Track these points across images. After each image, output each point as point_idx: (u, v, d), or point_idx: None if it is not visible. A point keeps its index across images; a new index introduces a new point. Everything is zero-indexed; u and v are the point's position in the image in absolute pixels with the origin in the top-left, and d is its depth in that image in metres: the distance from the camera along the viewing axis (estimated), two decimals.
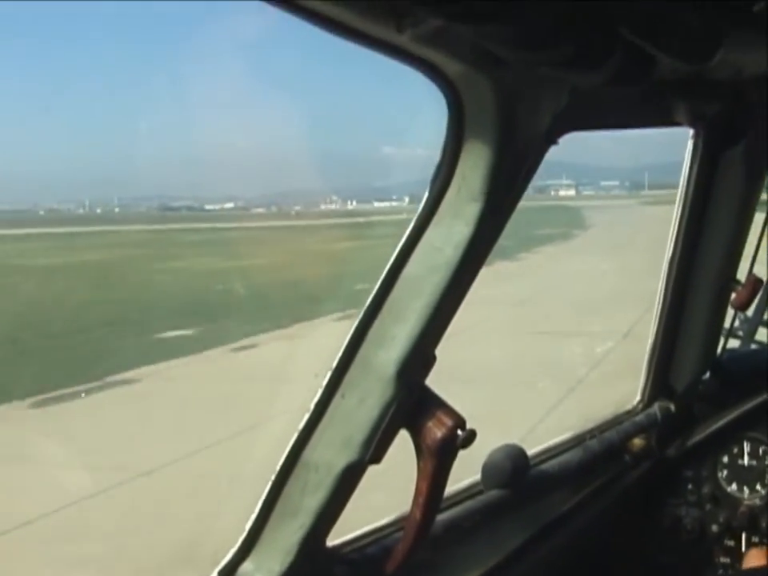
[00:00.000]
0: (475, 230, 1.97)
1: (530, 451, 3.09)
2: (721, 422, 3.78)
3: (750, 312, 4.22)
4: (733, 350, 3.98)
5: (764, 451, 3.76)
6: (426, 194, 2.01)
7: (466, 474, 2.90)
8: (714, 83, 2.52)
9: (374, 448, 2.07)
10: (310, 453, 2.11)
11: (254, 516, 2.17)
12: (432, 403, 2.12)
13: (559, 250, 43.58)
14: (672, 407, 3.72)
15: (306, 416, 2.10)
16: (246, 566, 2.19)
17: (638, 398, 3.73)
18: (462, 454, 2.13)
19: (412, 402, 2.09)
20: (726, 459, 3.78)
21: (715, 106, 2.81)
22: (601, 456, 3.39)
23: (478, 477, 2.94)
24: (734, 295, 3.42)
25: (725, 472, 3.76)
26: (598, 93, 1.98)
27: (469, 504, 2.81)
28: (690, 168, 3.24)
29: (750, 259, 3.54)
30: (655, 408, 3.71)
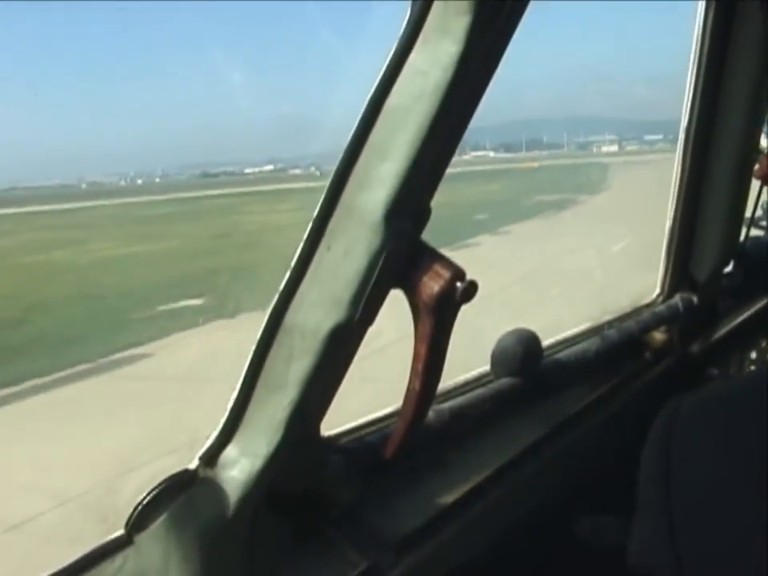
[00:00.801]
0: (465, 48, 1.73)
1: (545, 341, 2.87)
2: (746, 314, 3.56)
3: None
4: (757, 238, 3.73)
5: None
6: (408, 11, 1.77)
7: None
8: None
9: (363, 307, 1.83)
10: (293, 315, 1.87)
11: (235, 392, 1.94)
12: (427, 257, 1.89)
13: (534, 229, 34.28)
14: (694, 299, 3.49)
15: (288, 273, 1.87)
16: (230, 451, 1.96)
17: (658, 290, 3.50)
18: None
19: (404, 255, 1.86)
20: (754, 355, 3.56)
21: None
22: (620, 347, 3.16)
23: (487, 367, 2.73)
24: (757, 166, 3.18)
25: (752, 368, 3.55)
26: None
27: (478, 392, 2.60)
28: (704, 21, 2.99)
29: None
30: (677, 299, 3.47)
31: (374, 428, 2.33)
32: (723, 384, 2.34)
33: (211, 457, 1.96)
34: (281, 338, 1.89)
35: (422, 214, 1.90)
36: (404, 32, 1.77)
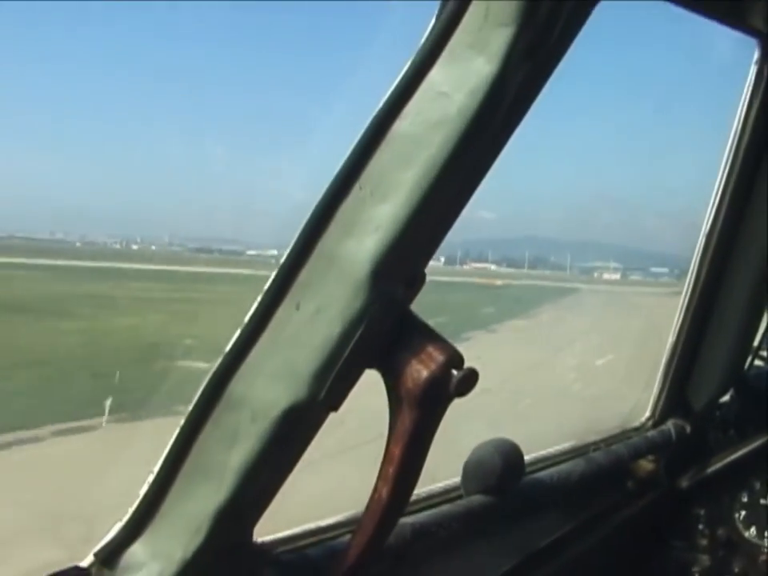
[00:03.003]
0: (503, 69, 1.35)
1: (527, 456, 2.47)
2: (743, 451, 3.19)
3: None
4: (760, 368, 3.39)
5: None
6: (434, 18, 1.39)
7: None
8: None
9: (330, 386, 1.42)
10: (241, 387, 1.45)
11: (150, 477, 1.50)
12: (417, 333, 1.48)
13: None
14: (687, 427, 3.13)
15: (237, 333, 1.45)
16: (136, 550, 1.52)
17: (648, 413, 3.13)
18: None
19: (389, 327, 1.45)
20: (745, 497, 3.18)
21: None
22: (605, 473, 2.78)
23: (457, 479, 2.31)
24: None
25: (743, 512, 3.17)
26: None
27: (445, 509, 2.17)
28: (747, 109, 2.71)
29: None
30: (669, 425, 3.11)
31: (316, 538, 1.89)
32: None
33: (110, 555, 1.52)
34: (221, 415, 1.46)
35: (417, 279, 1.50)
36: (425, 42, 1.39)
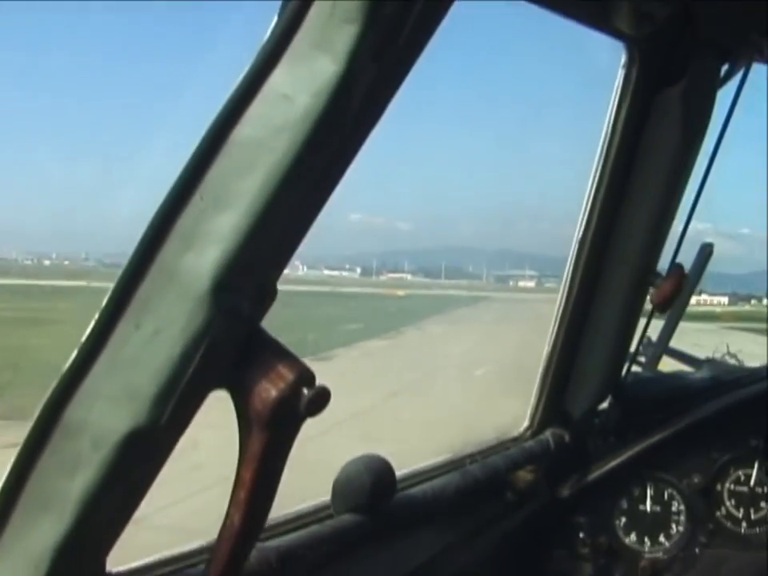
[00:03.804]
0: (347, 69, 1.28)
1: (398, 472, 2.40)
2: (621, 458, 3.19)
3: (654, 336, 3.68)
4: (638, 374, 3.40)
5: (669, 495, 3.18)
6: (276, 17, 1.32)
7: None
8: None
9: (174, 407, 1.33)
10: (80, 412, 1.35)
11: None
12: (267, 351, 1.41)
13: None
14: (566, 436, 3.11)
15: (73, 355, 1.35)
16: None
17: (527, 422, 3.10)
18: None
19: (236, 345, 1.37)
20: (624, 504, 3.19)
21: (662, 9, 2.26)
22: (482, 485, 2.72)
23: (327, 498, 2.24)
24: (652, 290, 2.84)
25: (623, 519, 3.18)
26: None
27: (314, 529, 2.09)
28: (616, 114, 2.70)
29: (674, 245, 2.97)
30: (547, 435, 3.08)
31: (172, 567, 1.79)
32: None
33: None
34: (59, 442, 1.35)
35: (266, 293, 1.42)
36: (267, 42, 1.32)
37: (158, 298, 1.33)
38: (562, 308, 2.97)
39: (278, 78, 1.31)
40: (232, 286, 1.32)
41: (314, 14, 1.30)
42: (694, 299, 4.43)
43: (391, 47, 1.35)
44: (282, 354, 1.40)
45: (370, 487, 2.19)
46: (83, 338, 1.35)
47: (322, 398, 1.38)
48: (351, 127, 1.38)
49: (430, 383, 17.95)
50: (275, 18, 1.32)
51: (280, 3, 1.32)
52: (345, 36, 1.28)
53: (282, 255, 1.43)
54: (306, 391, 1.38)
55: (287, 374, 1.37)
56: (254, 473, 1.41)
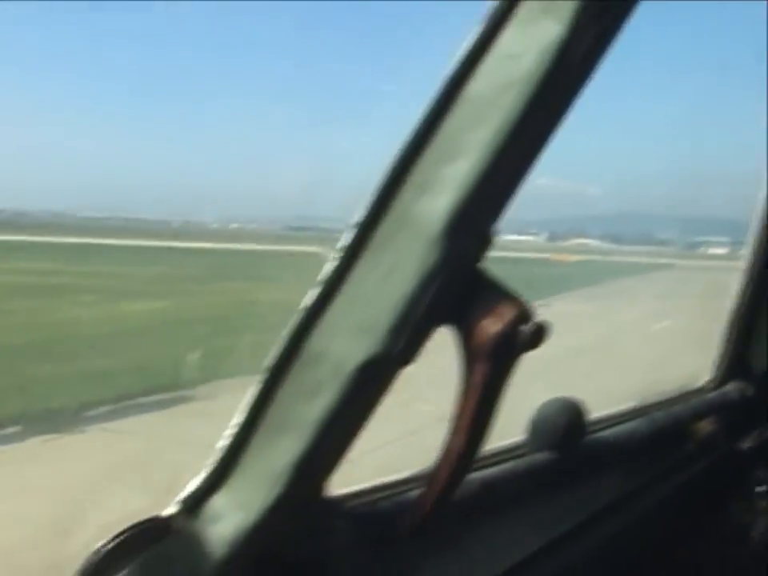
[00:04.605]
0: (571, 31, 1.38)
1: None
2: None
3: None
4: None
5: None
6: None
7: None
8: None
9: (406, 341, 1.47)
10: (319, 342, 1.50)
11: (230, 431, 1.57)
12: (487, 290, 1.53)
13: None
14: (749, 390, 3.13)
15: (314, 291, 1.51)
16: (217, 500, 1.58)
17: (710, 374, 3.14)
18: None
19: (460, 284, 1.50)
20: None
21: None
22: (666, 433, 2.80)
23: (521, 438, 2.36)
24: None
25: None
26: None
27: (511, 465, 2.22)
28: None
29: None
30: (730, 387, 3.11)
31: (385, 493, 1.95)
32: None
33: (193, 505, 1.58)
34: (300, 369, 1.52)
35: (487, 237, 1.54)
36: (495, 9, 1.43)
37: (394, 240, 1.47)
38: (750, 261, 2.98)
39: (506, 39, 1.42)
40: (459, 230, 1.45)
41: None
42: None
43: (610, 10, 1.44)
44: (503, 293, 1.52)
45: (563, 428, 2.30)
46: (323, 277, 1.51)
47: (540, 332, 1.49)
48: (570, 86, 1.47)
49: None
50: None
51: None
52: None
53: (501, 204, 1.55)
54: (523, 328, 1.50)
55: (508, 311, 1.49)
56: (476, 402, 1.54)
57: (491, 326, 1.49)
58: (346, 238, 1.49)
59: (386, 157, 1.47)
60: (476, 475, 2.06)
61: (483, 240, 1.53)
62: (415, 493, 1.87)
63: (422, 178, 1.45)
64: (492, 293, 1.52)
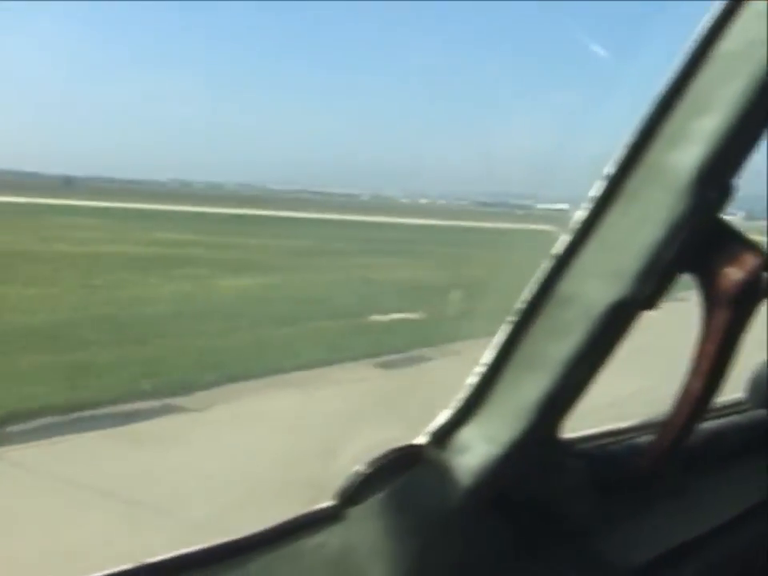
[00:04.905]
0: None
1: None
2: None
3: None
4: None
5: None
6: None
7: None
8: None
9: (653, 286, 1.55)
10: (569, 285, 1.60)
11: (480, 368, 1.68)
12: (728, 239, 1.59)
13: None
14: None
15: (567, 236, 1.61)
16: (466, 433, 1.69)
17: None
18: None
19: (704, 233, 1.57)
20: None
21: None
22: None
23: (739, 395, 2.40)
24: None
25: None
26: None
27: (733, 419, 2.27)
28: None
29: None
30: None
31: (616, 438, 2.03)
32: None
33: (442, 436, 1.71)
34: (550, 311, 1.63)
35: (729, 190, 1.61)
36: None
37: (644, 190, 1.55)
38: None
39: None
40: (706, 181, 1.52)
41: None
42: None
43: None
44: (744, 242, 1.58)
45: None
46: (575, 225, 1.61)
47: None
48: None
49: None
50: None
51: None
52: None
53: (743, 158, 1.61)
54: (766, 275, 1.56)
55: (750, 259, 1.55)
56: (716, 347, 1.61)
57: (733, 273, 1.55)
58: (596, 189, 1.59)
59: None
60: (704, 425, 2.12)
61: (726, 192, 1.59)
62: (645, 439, 1.95)
63: (672, 132, 1.53)
64: (734, 242, 1.58)
